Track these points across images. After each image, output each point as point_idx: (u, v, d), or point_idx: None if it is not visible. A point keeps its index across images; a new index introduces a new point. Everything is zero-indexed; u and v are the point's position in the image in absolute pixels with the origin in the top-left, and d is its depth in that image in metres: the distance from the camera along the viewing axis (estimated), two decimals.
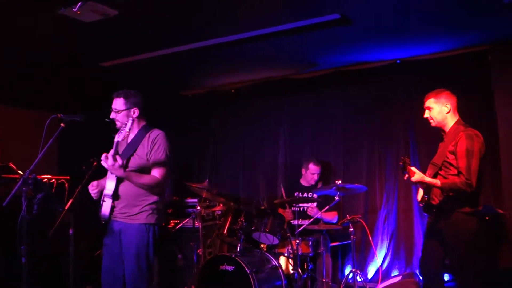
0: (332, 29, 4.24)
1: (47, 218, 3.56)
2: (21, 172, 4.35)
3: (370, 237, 5.19)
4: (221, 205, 5.55)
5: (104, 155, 3.12)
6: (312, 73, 5.80)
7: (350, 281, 4.72)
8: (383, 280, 4.92)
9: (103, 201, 3.35)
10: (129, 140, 3.42)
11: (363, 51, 5.04)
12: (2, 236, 4.13)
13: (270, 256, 4.57)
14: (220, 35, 4.44)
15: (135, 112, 3.36)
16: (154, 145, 3.31)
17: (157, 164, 3.30)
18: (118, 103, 3.34)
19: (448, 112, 3.53)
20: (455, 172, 3.38)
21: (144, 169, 3.31)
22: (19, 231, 2.74)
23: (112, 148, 3.14)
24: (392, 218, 5.36)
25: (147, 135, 3.36)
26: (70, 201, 3.69)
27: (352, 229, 4.71)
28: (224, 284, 4.32)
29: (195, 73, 5.94)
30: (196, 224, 5.00)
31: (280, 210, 5.20)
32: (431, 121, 3.62)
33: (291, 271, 4.59)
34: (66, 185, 4.69)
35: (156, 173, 3.30)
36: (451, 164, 3.42)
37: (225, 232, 5.28)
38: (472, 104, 4.96)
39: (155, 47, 4.78)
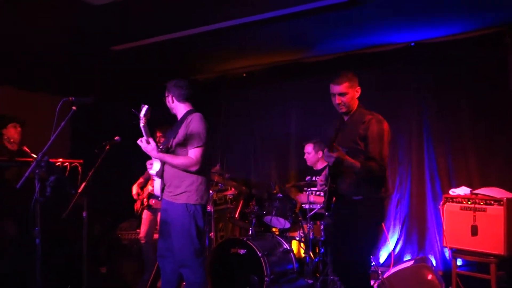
0: (343, 11, 4.17)
1: (60, 201, 3.60)
2: (35, 156, 4.39)
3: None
4: (232, 189, 5.57)
5: (139, 139, 3.38)
6: (323, 56, 5.74)
7: None
8: (395, 265, 4.90)
9: (153, 179, 3.64)
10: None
11: (375, 33, 4.95)
12: (16, 217, 4.20)
13: (281, 239, 4.58)
14: (230, 17, 4.40)
15: (170, 98, 3.65)
16: (189, 127, 3.45)
17: (191, 145, 3.44)
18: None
19: (358, 96, 3.41)
20: (365, 157, 3.21)
21: (183, 150, 3.48)
22: (33, 213, 2.77)
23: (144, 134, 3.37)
24: (405, 202, 5.32)
25: (186, 119, 3.52)
26: (83, 184, 3.74)
27: None
28: (236, 267, 4.36)
29: (206, 57, 5.91)
30: (208, 208, 5.02)
31: (293, 194, 5.18)
32: (343, 107, 3.42)
33: (303, 255, 4.60)
34: (80, 168, 4.73)
35: (192, 153, 3.44)
36: (360, 151, 3.24)
37: (236, 216, 5.31)
38: (487, 86, 4.88)
39: (166, 31, 4.76)
